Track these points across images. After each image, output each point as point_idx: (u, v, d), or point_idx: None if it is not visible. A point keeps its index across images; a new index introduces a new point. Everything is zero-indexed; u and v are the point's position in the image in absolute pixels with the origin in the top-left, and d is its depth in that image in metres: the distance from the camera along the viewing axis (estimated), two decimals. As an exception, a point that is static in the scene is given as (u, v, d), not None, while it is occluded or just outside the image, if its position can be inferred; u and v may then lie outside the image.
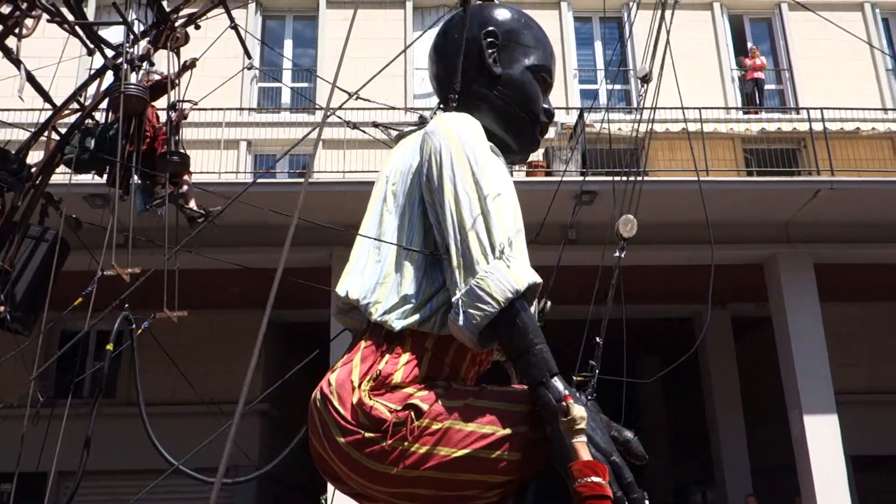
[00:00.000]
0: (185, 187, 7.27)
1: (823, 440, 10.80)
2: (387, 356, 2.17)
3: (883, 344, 14.38)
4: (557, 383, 2.06)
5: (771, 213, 11.30)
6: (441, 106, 2.56)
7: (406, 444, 2.06)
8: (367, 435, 2.08)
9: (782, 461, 12.39)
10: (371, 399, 2.10)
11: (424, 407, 2.09)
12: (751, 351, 15.09)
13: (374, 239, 2.34)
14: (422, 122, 2.46)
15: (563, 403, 2.03)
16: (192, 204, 7.36)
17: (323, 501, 15.01)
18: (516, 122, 2.49)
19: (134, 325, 5.27)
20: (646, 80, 4.44)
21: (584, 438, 2.05)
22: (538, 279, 2.13)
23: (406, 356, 2.17)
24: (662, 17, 4.37)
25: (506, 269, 2.08)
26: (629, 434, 2.22)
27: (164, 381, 10.22)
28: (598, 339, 3.70)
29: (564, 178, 9.27)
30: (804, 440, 10.88)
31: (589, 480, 2.00)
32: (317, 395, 2.20)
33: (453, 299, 2.11)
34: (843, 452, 10.81)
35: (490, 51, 2.46)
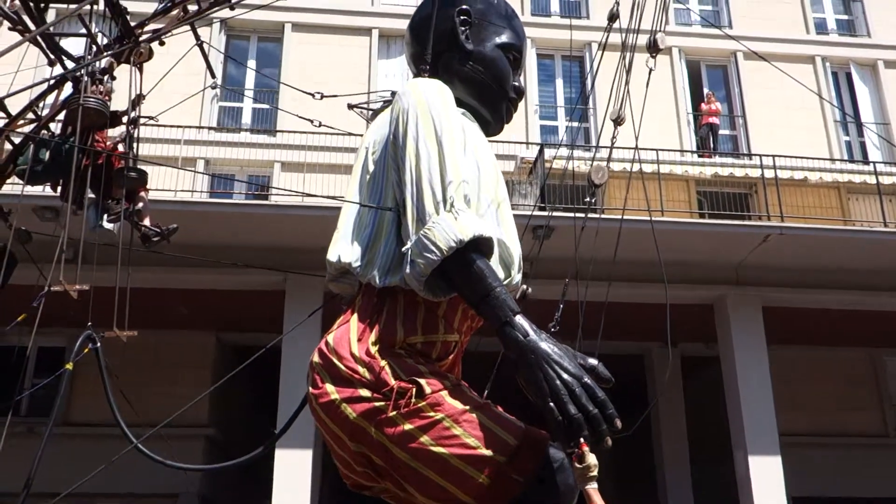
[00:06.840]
0: (141, 204, 7.14)
1: (767, 481, 10.95)
2: (384, 313, 2.21)
3: (825, 388, 14.70)
4: (522, 321, 2.11)
5: (722, 254, 11.52)
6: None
7: (396, 413, 2.07)
8: (361, 393, 2.09)
9: (726, 501, 12.51)
10: (383, 359, 2.12)
11: (427, 390, 2.10)
12: (699, 390, 15.27)
13: (332, 198, 2.38)
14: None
15: (578, 451, 2.04)
16: (147, 221, 7.23)
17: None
18: (489, 94, 2.58)
19: (99, 344, 5.11)
20: (618, 122, 4.54)
21: (595, 485, 2.09)
22: (486, 232, 2.18)
23: (402, 312, 2.20)
24: (629, 70, 4.48)
25: (452, 221, 2.13)
26: (593, 361, 2.26)
27: (103, 401, 9.94)
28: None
29: (524, 213, 9.34)
30: (748, 480, 11.01)
31: None
32: (314, 357, 2.23)
33: (403, 249, 2.17)
34: (786, 493, 10.97)
35: (462, 28, 2.55)
